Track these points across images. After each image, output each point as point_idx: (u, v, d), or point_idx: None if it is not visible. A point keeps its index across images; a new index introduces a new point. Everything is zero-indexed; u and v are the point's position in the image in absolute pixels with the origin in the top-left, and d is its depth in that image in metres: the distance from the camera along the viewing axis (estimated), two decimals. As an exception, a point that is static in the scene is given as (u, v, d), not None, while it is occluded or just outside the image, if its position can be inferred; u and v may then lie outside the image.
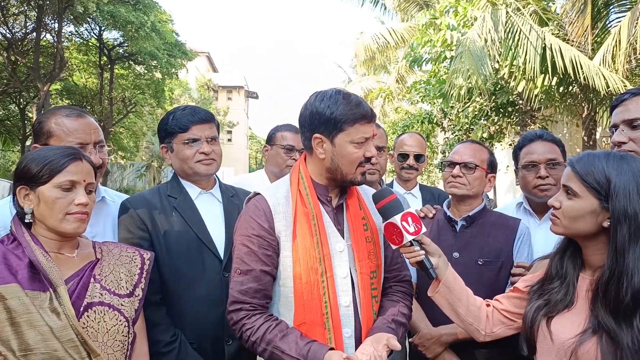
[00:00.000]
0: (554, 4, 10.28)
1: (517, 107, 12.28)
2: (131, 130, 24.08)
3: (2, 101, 19.16)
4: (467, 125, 13.37)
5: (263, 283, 1.57)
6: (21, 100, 18.25)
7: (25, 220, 1.48)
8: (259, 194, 1.68)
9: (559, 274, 1.49)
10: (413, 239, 1.51)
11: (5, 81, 17.00)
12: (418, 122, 14.68)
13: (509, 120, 12.62)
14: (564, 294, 1.45)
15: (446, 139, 14.76)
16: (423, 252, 1.53)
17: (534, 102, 10.27)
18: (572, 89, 9.46)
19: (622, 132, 1.86)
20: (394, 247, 1.56)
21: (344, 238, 1.64)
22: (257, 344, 1.51)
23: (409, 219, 1.51)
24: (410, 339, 2.15)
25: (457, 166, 2.17)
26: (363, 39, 16.39)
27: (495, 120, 12.58)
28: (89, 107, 21.15)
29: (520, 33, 8.04)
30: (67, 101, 21.83)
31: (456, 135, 14.00)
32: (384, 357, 1.48)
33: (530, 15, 9.30)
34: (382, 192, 1.60)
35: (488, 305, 1.68)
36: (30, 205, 1.47)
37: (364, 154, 1.60)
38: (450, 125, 14.46)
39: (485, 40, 8.26)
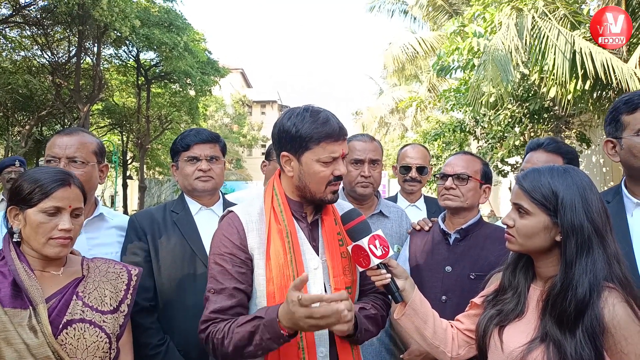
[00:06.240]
0: (586, 5, 9.97)
1: (551, 113, 11.91)
2: (168, 147, 24.76)
3: (48, 122, 20.19)
4: (501, 133, 13.04)
5: (237, 300, 1.53)
6: (65, 120, 19.14)
7: (14, 239, 1.54)
8: (231, 211, 1.66)
9: (511, 285, 1.51)
10: (380, 262, 1.49)
11: (50, 103, 17.92)
12: (450, 130, 14.44)
13: (543, 127, 12.25)
14: (515, 303, 1.47)
15: (479, 147, 14.46)
16: (389, 275, 1.51)
17: (568, 108, 9.93)
18: (606, 93, 9.11)
19: None
20: (360, 269, 1.53)
21: (318, 254, 1.61)
22: (225, 338, 1.46)
23: (377, 242, 1.48)
24: (401, 355, 2.11)
25: (450, 178, 2.14)
26: (392, 49, 16.34)
27: (529, 127, 12.24)
28: (127, 125, 21.99)
29: (547, 38, 7.83)
30: (108, 120, 22.75)
31: (489, 144, 13.66)
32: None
33: (561, 19, 9.05)
34: (351, 214, 1.57)
35: (452, 326, 1.65)
36: (19, 225, 1.53)
37: (332, 173, 1.56)
38: (483, 133, 14.14)
39: (509, 48, 8.08)
